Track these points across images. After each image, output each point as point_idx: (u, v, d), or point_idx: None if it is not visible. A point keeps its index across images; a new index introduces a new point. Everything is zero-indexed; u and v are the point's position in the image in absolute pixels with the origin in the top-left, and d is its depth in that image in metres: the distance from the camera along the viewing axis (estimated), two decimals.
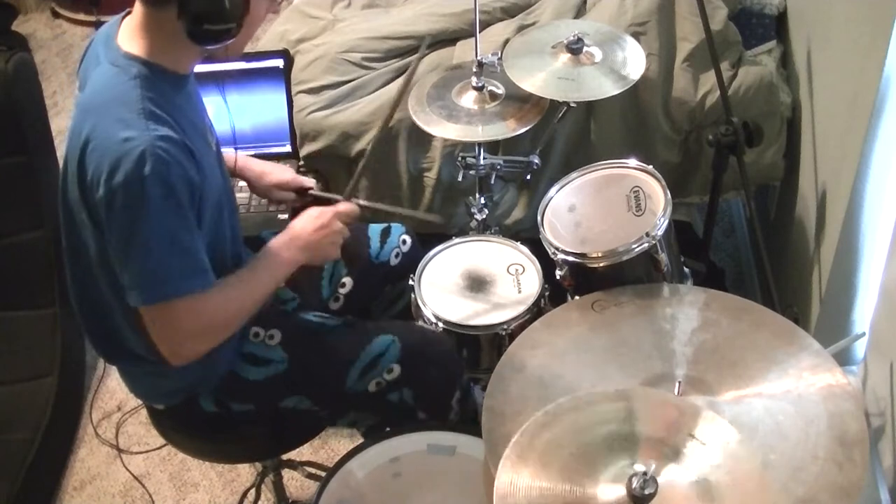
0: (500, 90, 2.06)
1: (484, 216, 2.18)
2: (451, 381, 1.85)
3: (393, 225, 2.06)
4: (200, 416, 1.78)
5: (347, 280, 1.98)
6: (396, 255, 2.02)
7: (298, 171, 2.42)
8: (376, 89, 2.40)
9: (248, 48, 2.52)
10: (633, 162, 1.82)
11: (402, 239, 2.04)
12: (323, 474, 1.82)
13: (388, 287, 2.05)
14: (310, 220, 1.72)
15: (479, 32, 2.06)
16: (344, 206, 1.78)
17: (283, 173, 1.99)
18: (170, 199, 1.44)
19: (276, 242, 1.70)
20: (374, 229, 2.04)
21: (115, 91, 1.47)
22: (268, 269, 1.67)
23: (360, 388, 1.78)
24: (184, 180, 1.46)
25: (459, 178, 2.16)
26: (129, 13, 1.54)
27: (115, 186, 1.41)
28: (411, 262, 2.02)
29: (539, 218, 1.79)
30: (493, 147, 2.28)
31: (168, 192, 1.43)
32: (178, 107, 1.53)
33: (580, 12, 2.46)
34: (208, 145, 1.63)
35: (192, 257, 1.50)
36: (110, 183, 1.41)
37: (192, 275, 1.51)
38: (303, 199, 1.99)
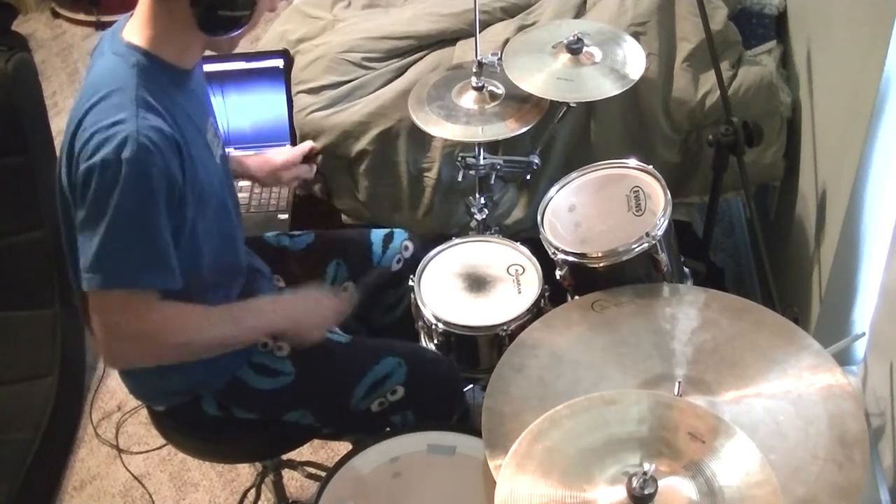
0: (500, 90, 2.06)
1: (484, 216, 2.18)
2: (451, 404, 1.86)
3: (396, 231, 2.05)
4: (201, 418, 1.77)
5: (349, 285, 1.98)
6: (398, 261, 2.02)
7: None
8: (376, 89, 2.40)
9: (249, 48, 2.53)
10: (633, 162, 1.82)
11: (404, 245, 2.03)
12: (323, 474, 1.81)
13: (390, 291, 2.04)
14: (309, 299, 1.72)
15: (479, 32, 2.06)
16: (343, 305, 1.77)
17: (280, 153, 2.02)
18: (144, 187, 1.41)
19: (267, 300, 1.69)
20: (377, 234, 2.03)
21: (113, 78, 1.47)
22: (243, 319, 1.63)
23: (364, 407, 1.77)
24: (164, 174, 1.43)
25: (459, 178, 2.16)
26: None
27: (93, 165, 1.40)
28: (413, 268, 2.00)
29: (539, 218, 1.79)
30: (493, 147, 2.28)
31: (144, 180, 1.41)
32: (176, 102, 1.52)
33: (580, 12, 2.46)
34: (207, 145, 1.63)
35: (157, 250, 1.46)
36: (89, 161, 1.41)
37: (154, 269, 1.47)
38: (314, 165, 2.13)
